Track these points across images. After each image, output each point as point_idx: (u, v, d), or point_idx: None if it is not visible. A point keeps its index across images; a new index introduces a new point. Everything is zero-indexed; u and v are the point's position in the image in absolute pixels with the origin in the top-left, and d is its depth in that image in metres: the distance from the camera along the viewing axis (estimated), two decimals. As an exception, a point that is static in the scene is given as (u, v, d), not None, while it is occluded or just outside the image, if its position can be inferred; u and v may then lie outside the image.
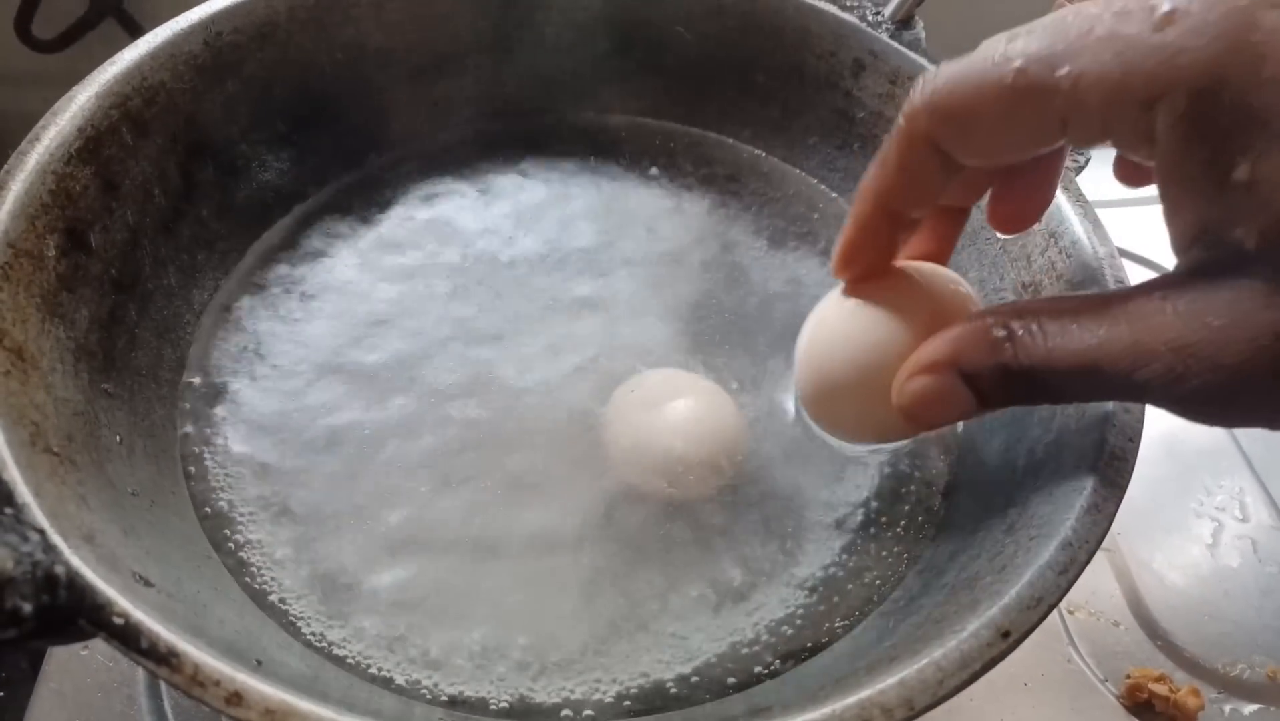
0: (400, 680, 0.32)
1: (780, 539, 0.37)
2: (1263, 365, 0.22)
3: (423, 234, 0.44)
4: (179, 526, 0.34)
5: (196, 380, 0.39)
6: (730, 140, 0.50)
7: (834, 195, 0.48)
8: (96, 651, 0.42)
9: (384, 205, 0.45)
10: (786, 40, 0.47)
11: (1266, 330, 0.22)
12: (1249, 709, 0.47)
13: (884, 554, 0.37)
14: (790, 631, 0.35)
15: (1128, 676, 0.46)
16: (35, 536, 0.24)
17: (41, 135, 0.33)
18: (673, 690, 0.33)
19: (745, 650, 0.34)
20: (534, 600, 0.34)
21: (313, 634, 0.33)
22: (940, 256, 0.34)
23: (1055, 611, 0.48)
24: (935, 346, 0.29)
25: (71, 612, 0.24)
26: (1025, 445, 0.36)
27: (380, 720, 0.25)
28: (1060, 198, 0.39)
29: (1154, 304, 0.24)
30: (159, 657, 0.24)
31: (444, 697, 0.32)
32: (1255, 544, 0.53)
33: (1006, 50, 0.25)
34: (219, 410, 0.38)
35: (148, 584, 0.27)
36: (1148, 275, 0.65)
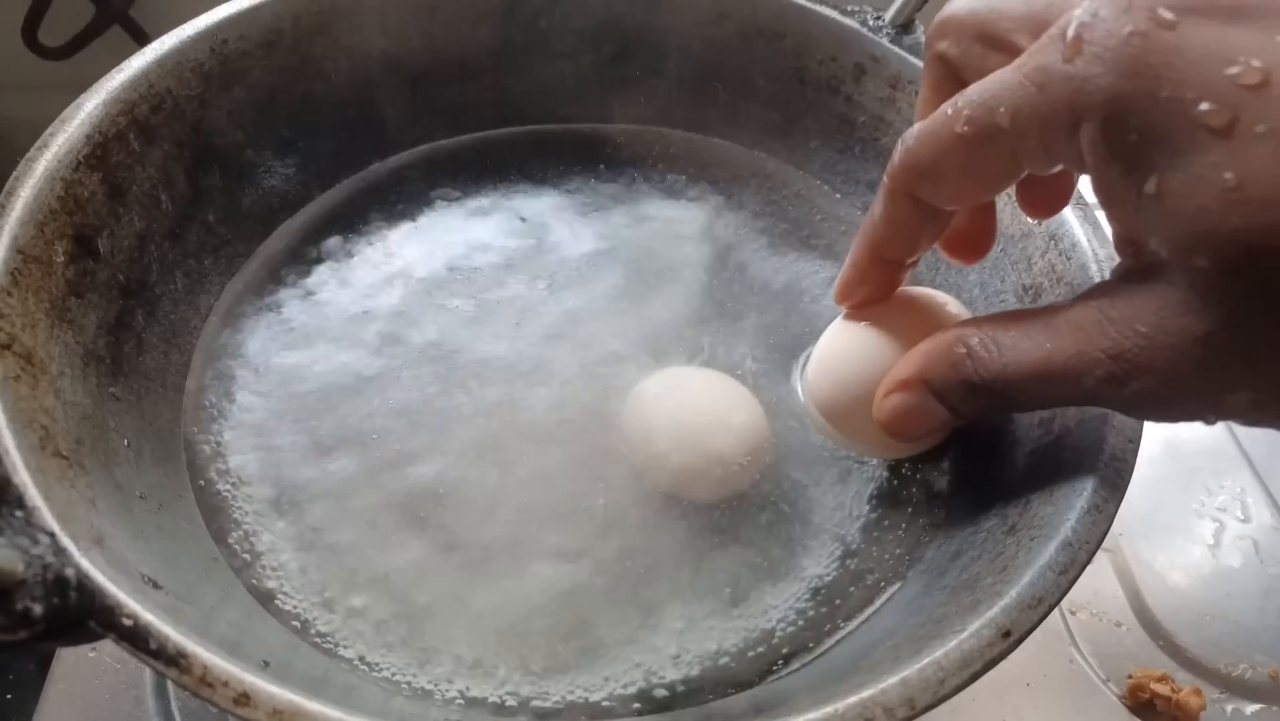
0: (408, 681, 0.32)
1: (783, 541, 0.37)
2: (1187, 368, 0.24)
3: (426, 239, 0.45)
4: (187, 529, 0.34)
5: (203, 384, 0.39)
6: (732, 145, 0.50)
7: (836, 197, 0.49)
8: (104, 653, 0.42)
9: (388, 210, 0.46)
10: (787, 45, 0.47)
11: (1186, 335, 0.24)
12: (1251, 708, 0.47)
13: (886, 555, 0.37)
14: (793, 632, 0.35)
15: (1130, 676, 0.46)
16: (45, 539, 0.25)
17: (50, 142, 0.34)
18: (679, 690, 0.33)
19: (749, 651, 0.34)
20: (541, 602, 0.35)
21: (320, 635, 0.33)
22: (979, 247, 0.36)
23: (1057, 612, 0.48)
24: (906, 364, 0.32)
25: (81, 614, 0.24)
26: (1026, 446, 0.36)
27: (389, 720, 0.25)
28: (1060, 201, 0.39)
29: (1092, 313, 0.26)
30: (168, 659, 0.24)
31: (452, 699, 0.32)
32: (1257, 544, 0.53)
33: (956, 101, 0.27)
34: (226, 414, 0.38)
35: (156, 586, 0.27)
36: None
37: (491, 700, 0.32)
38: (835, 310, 0.37)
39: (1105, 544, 0.51)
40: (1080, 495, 0.30)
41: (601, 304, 0.43)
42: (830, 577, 0.36)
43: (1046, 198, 0.34)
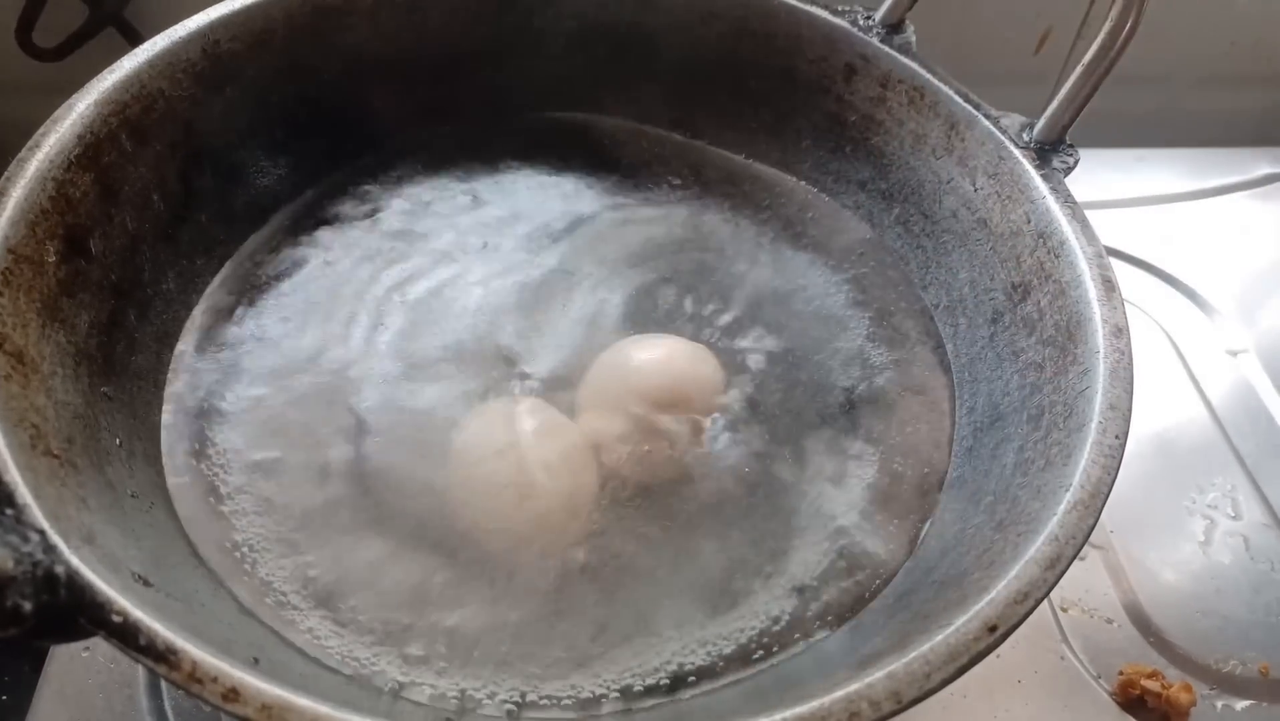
0: (398, 679, 0.33)
1: (772, 538, 0.37)
2: None
3: (418, 235, 0.45)
4: (177, 527, 0.34)
5: (194, 383, 0.39)
6: (723, 144, 0.50)
7: (826, 198, 0.49)
8: (98, 652, 0.42)
9: (380, 208, 0.46)
10: (778, 45, 0.47)
11: None
12: (1241, 704, 0.47)
13: (874, 552, 0.37)
14: (781, 629, 0.35)
15: (1121, 673, 0.46)
16: (35, 537, 0.25)
17: (41, 142, 0.34)
18: (666, 688, 0.33)
19: (738, 648, 0.34)
20: (531, 603, 0.35)
21: (309, 632, 0.33)
22: None
23: (1048, 609, 0.49)
24: None
25: (71, 611, 0.24)
26: (1015, 443, 0.36)
27: (376, 717, 0.25)
28: (1049, 199, 0.39)
29: None
30: (157, 655, 0.24)
31: (440, 695, 0.32)
32: (1247, 541, 0.53)
33: None
34: (217, 413, 0.38)
35: (147, 583, 0.28)
36: (1137, 274, 0.65)
37: (478, 699, 0.32)
38: (832, 308, 0.37)
39: (1096, 541, 0.52)
40: (1066, 490, 0.31)
41: (591, 305, 0.43)
42: (819, 575, 0.36)
43: None
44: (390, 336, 0.41)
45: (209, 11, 0.41)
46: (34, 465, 0.28)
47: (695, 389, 0.40)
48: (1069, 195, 0.39)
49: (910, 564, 0.37)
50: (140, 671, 0.42)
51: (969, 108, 0.42)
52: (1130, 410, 0.33)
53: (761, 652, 0.34)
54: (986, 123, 0.42)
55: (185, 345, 0.40)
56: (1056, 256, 0.38)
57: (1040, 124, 0.40)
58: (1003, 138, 0.41)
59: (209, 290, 0.42)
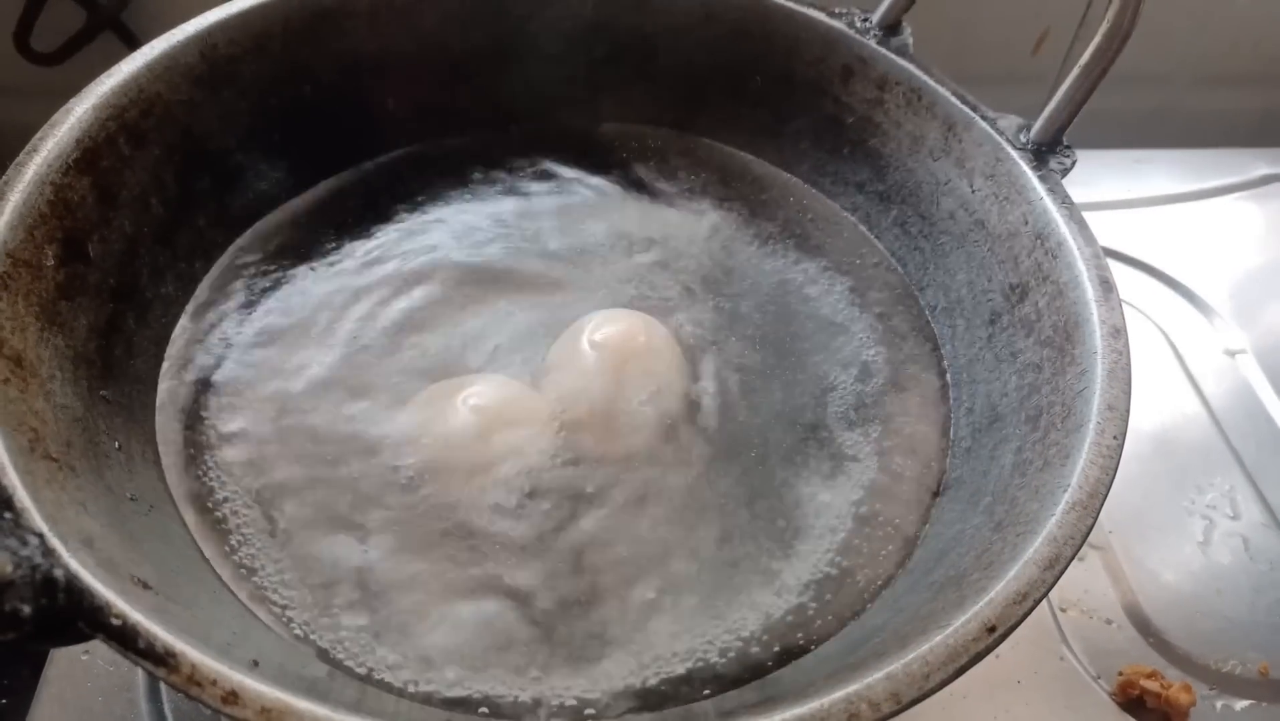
0: (397, 680, 0.33)
1: (773, 539, 0.37)
2: None
3: (415, 238, 0.45)
4: (176, 530, 0.34)
5: (192, 387, 0.39)
6: (721, 145, 0.50)
7: (824, 199, 0.49)
8: (98, 656, 0.42)
9: (378, 211, 0.46)
10: (776, 47, 0.47)
11: None
12: (1241, 705, 0.47)
13: (875, 553, 0.37)
14: (782, 630, 0.35)
15: (1120, 673, 0.46)
16: (34, 540, 0.25)
17: (39, 146, 0.34)
18: (664, 689, 0.33)
19: (738, 649, 0.34)
20: (533, 605, 0.35)
21: (308, 635, 0.33)
22: None
23: (1048, 610, 0.49)
24: None
25: (70, 615, 0.24)
26: (1013, 444, 0.36)
27: (379, 719, 0.25)
28: (1047, 200, 0.39)
29: None
30: (157, 658, 0.24)
31: (440, 697, 0.32)
32: (1247, 541, 0.53)
33: None
34: (214, 416, 0.38)
35: (146, 587, 0.27)
36: (1135, 275, 0.65)
37: (480, 700, 0.32)
38: (830, 310, 0.37)
39: (1096, 542, 0.52)
40: (1065, 490, 0.31)
41: (591, 305, 0.43)
42: (819, 576, 0.36)
43: None
44: (388, 340, 0.41)
45: (207, 15, 0.41)
46: (33, 469, 0.28)
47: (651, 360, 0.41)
48: (1066, 196, 0.39)
49: (909, 565, 0.37)
50: (140, 675, 0.42)
51: (966, 109, 0.43)
52: (1128, 410, 0.33)
53: (759, 651, 0.34)
54: (984, 124, 0.42)
55: (182, 350, 0.40)
56: (1054, 257, 0.38)
57: (1037, 125, 0.41)
58: (1000, 139, 0.41)
59: (207, 294, 0.42)
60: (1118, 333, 0.35)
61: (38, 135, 0.34)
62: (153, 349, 0.39)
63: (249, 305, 0.42)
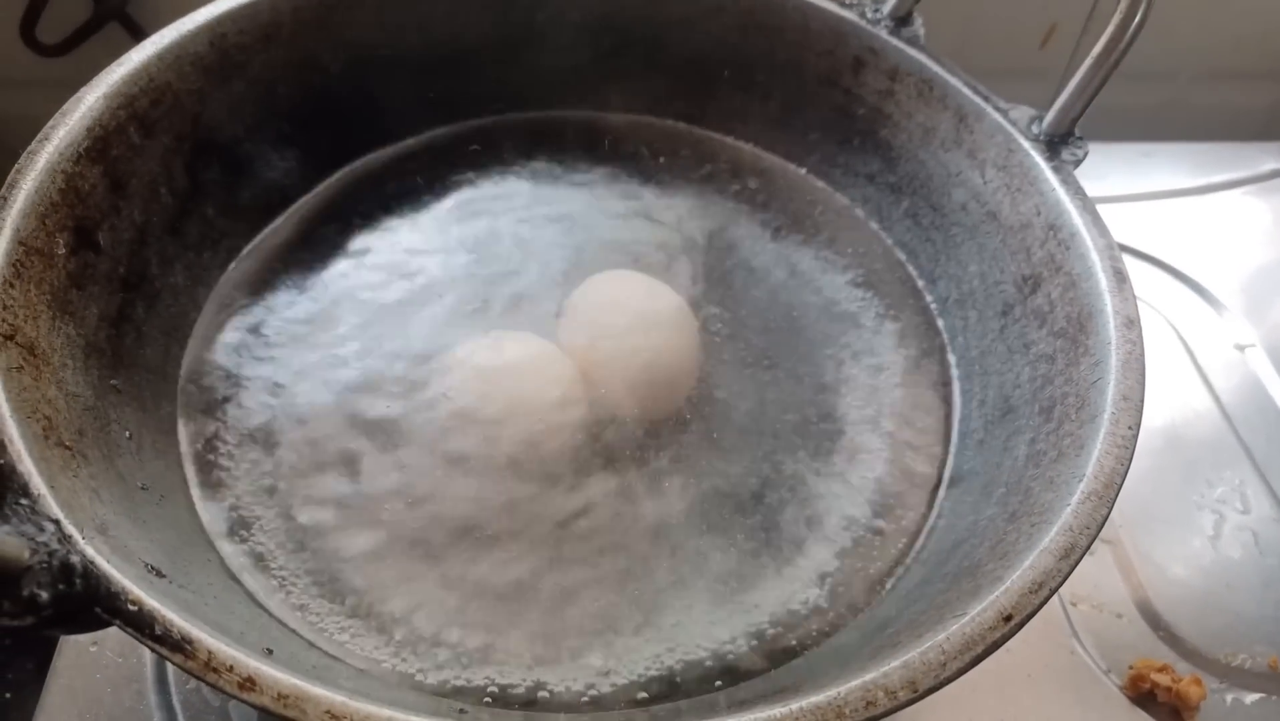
0: (409, 670, 0.32)
1: (784, 531, 0.37)
2: None
3: (423, 227, 0.45)
4: (188, 520, 0.34)
5: (202, 377, 0.39)
6: (731, 137, 0.50)
7: (834, 190, 0.49)
8: (106, 647, 0.42)
9: (385, 200, 0.46)
10: (786, 38, 0.47)
11: None
12: (1251, 698, 0.47)
13: (887, 545, 0.37)
14: (795, 621, 0.35)
15: (1131, 667, 0.46)
16: (50, 527, 0.25)
17: (51, 135, 0.34)
18: (679, 681, 0.33)
19: (754, 640, 0.34)
20: (541, 593, 0.35)
21: (320, 625, 0.33)
22: None
23: (1058, 604, 0.48)
24: None
25: (87, 601, 0.24)
26: (1027, 435, 0.36)
27: (391, 708, 0.25)
28: (1059, 191, 0.39)
29: None
30: (173, 644, 0.24)
31: (450, 685, 0.32)
32: (1256, 535, 0.53)
33: None
34: (224, 406, 0.38)
35: (160, 574, 0.27)
36: (1144, 269, 0.65)
37: (489, 689, 0.32)
38: (841, 302, 0.37)
39: (1106, 536, 0.51)
40: (1080, 481, 0.30)
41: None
42: (834, 567, 0.36)
43: None
44: (398, 330, 0.41)
45: (217, 4, 0.41)
46: (47, 456, 0.28)
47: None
48: (1079, 187, 0.39)
49: (922, 556, 0.37)
50: (148, 666, 0.42)
51: (978, 100, 0.42)
52: (1143, 401, 0.33)
53: (771, 643, 0.34)
54: (996, 115, 0.42)
55: (193, 338, 0.40)
56: (1067, 248, 0.38)
57: (1050, 116, 0.40)
58: (1012, 130, 0.41)
59: (217, 284, 0.42)
60: (1131, 323, 0.35)
61: (49, 123, 0.34)
62: (162, 339, 0.39)
63: (262, 298, 0.42)
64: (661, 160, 0.49)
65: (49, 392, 0.30)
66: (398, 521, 0.36)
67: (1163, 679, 0.45)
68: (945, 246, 0.44)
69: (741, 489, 0.38)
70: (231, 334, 0.40)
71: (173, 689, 0.42)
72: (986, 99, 0.42)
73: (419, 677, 0.32)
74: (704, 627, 0.34)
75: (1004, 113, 0.42)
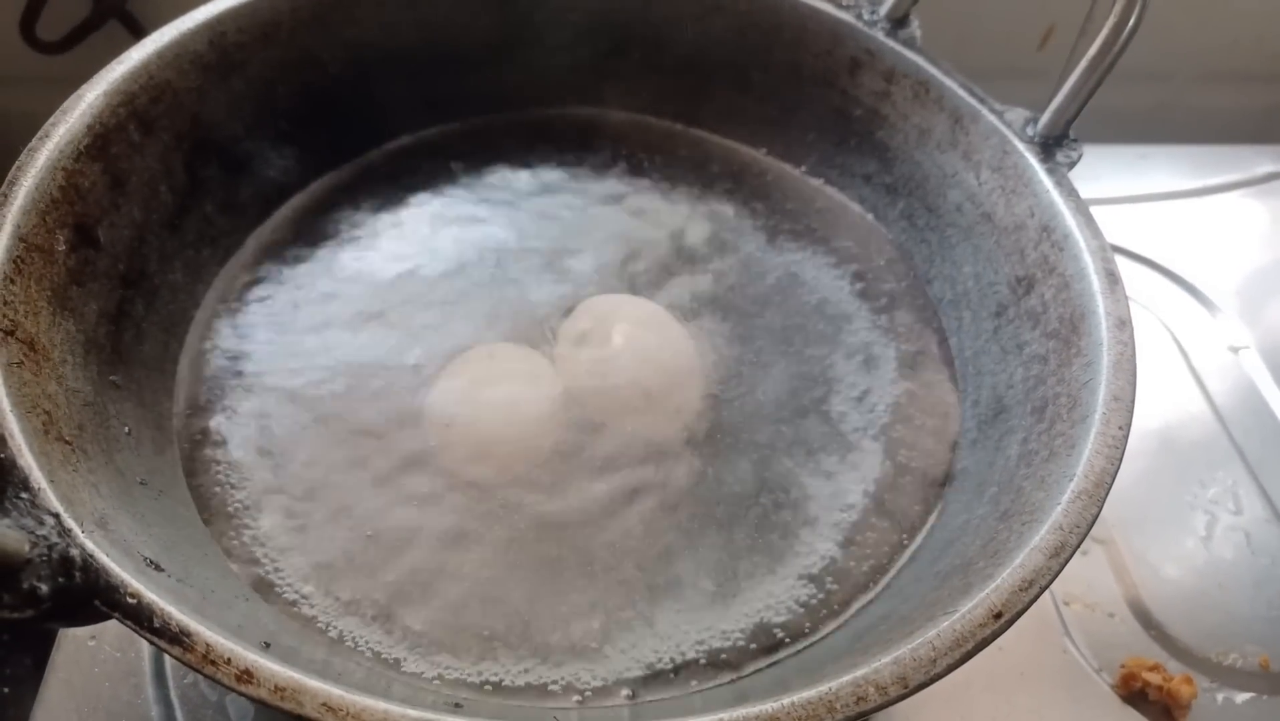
0: (403, 663, 0.33)
1: (780, 528, 0.37)
2: None
3: (421, 226, 0.45)
4: (185, 515, 0.35)
5: (200, 373, 0.39)
6: (727, 138, 0.51)
7: (830, 191, 0.49)
8: (104, 642, 0.42)
9: (384, 199, 0.46)
10: (783, 39, 0.47)
11: None
12: (1241, 697, 0.47)
13: (880, 543, 0.37)
14: (789, 618, 0.35)
15: (1122, 666, 0.47)
16: (50, 520, 0.25)
17: (51, 132, 0.34)
18: (670, 676, 0.33)
19: (747, 636, 0.35)
20: (537, 589, 0.35)
21: (316, 618, 0.33)
22: None
23: (1051, 603, 0.49)
24: None
25: (87, 594, 0.24)
26: (1019, 435, 0.37)
27: (387, 700, 0.25)
28: (1053, 193, 0.39)
29: None
30: (171, 637, 0.24)
31: (448, 679, 0.33)
32: (1249, 536, 0.53)
33: None
34: (222, 402, 0.39)
35: (158, 568, 0.28)
36: (1139, 271, 0.65)
37: (485, 683, 0.33)
38: (836, 302, 0.37)
39: (1098, 536, 0.52)
40: (1071, 480, 0.31)
41: (595, 289, 0.43)
42: (826, 565, 0.37)
43: None
44: (395, 328, 0.41)
45: (216, 3, 0.41)
46: (48, 450, 0.28)
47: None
48: (1073, 189, 0.40)
49: (915, 554, 0.37)
50: (146, 660, 0.42)
51: (973, 102, 0.43)
52: (1133, 401, 0.33)
53: (766, 639, 0.34)
54: (991, 117, 0.42)
55: (192, 335, 0.40)
56: (1060, 250, 0.38)
57: (1044, 118, 0.41)
58: (1007, 132, 0.41)
59: (215, 280, 0.42)
60: (1123, 324, 0.35)
61: (50, 121, 0.34)
62: (161, 335, 0.39)
63: (261, 295, 0.42)
64: (658, 160, 0.49)
65: (49, 388, 0.30)
66: (399, 521, 0.36)
67: (1154, 678, 0.46)
68: (940, 247, 0.45)
69: (736, 487, 0.38)
70: (229, 331, 0.41)
71: (171, 683, 0.42)
72: (982, 101, 0.43)
73: (415, 670, 0.33)
74: (698, 624, 0.35)
75: (999, 115, 0.42)
